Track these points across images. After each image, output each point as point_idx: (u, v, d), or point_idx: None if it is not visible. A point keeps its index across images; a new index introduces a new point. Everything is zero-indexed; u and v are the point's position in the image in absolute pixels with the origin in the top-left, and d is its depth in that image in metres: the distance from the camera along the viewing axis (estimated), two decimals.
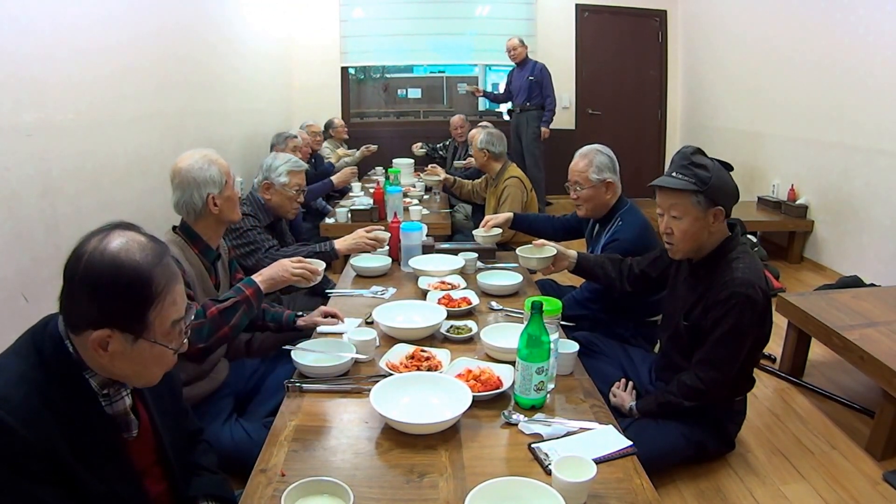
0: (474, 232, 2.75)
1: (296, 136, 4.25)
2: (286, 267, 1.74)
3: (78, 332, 0.97)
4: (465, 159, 5.13)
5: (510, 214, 2.79)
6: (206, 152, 1.87)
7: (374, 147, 5.43)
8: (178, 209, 1.82)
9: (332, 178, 4.10)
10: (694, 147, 1.82)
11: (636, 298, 2.40)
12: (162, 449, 1.15)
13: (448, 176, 4.22)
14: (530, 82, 5.62)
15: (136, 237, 1.00)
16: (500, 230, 2.71)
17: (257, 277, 1.71)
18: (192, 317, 1.07)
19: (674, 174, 1.79)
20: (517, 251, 2.32)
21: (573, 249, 2.32)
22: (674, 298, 1.99)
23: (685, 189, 1.75)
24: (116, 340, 0.96)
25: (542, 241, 2.32)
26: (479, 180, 4.00)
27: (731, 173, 1.83)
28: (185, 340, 1.06)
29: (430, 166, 4.83)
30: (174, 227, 1.83)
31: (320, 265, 1.84)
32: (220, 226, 1.88)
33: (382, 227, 2.59)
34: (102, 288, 0.94)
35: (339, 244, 2.47)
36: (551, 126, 5.76)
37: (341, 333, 1.86)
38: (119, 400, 1.05)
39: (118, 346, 0.96)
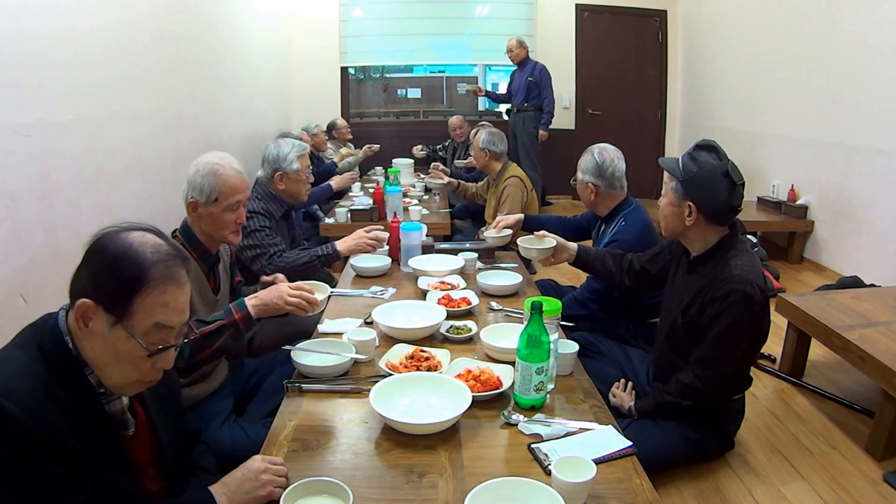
0: (485, 233, 2.73)
1: (297, 138, 4.25)
2: (282, 294, 1.60)
3: (73, 302, 0.99)
4: (465, 159, 5.14)
5: (521, 216, 2.76)
6: (221, 164, 1.81)
7: (376, 147, 5.42)
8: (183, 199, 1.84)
9: (332, 182, 4.09)
10: (710, 142, 1.82)
11: (637, 299, 2.40)
12: (159, 449, 1.15)
13: (452, 180, 4.23)
14: (529, 83, 5.63)
15: (155, 239, 1.03)
16: (510, 231, 2.67)
17: (250, 301, 1.60)
18: (182, 339, 1.07)
19: (679, 156, 1.85)
20: (518, 241, 2.34)
21: (574, 243, 2.33)
22: (672, 295, 1.99)
23: (669, 170, 1.83)
24: (99, 318, 0.97)
25: (542, 231, 2.33)
26: (482, 182, 4.01)
27: (737, 185, 1.76)
28: (171, 358, 1.04)
29: (433, 166, 4.83)
30: (174, 232, 1.82)
31: (323, 293, 1.76)
32: (209, 237, 1.83)
33: (382, 227, 2.59)
34: (102, 259, 0.99)
35: (341, 245, 2.47)
36: (551, 127, 5.75)
37: (341, 333, 1.86)
38: (116, 399, 1.06)
39: (98, 325, 0.97)
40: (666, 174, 1.87)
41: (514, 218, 2.72)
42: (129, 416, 1.09)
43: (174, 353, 1.05)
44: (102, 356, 0.99)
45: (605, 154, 2.47)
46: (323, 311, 2.02)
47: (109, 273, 0.98)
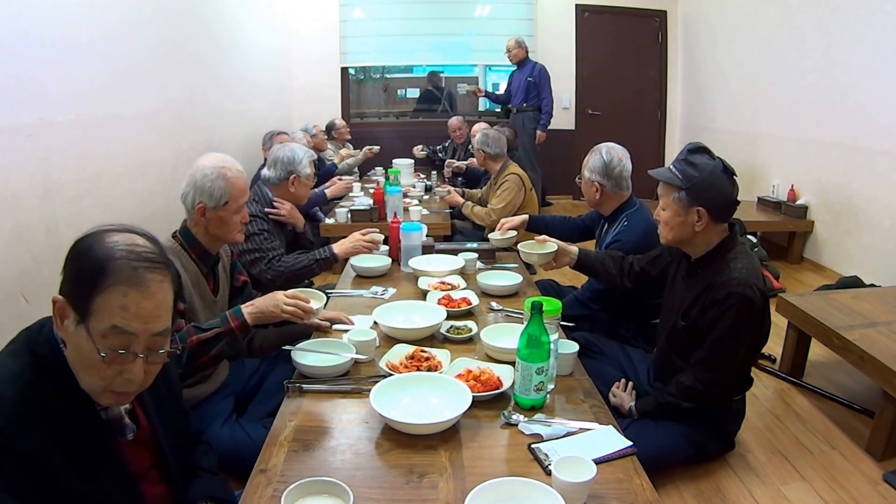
0: (490, 235, 2.73)
1: (285, 133, 4.25)
2: (278, 302, 1.62)
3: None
4: (465, 159, 5.14)
5: (526, 217, 2.74)
6: (228, 167, 1.81)
7: (376, 148, 5.42)
8: (181, 199, 1.83)
9: (326, 190, 4.07)
10: (699, 144, 1.82)
11: (638, 300, 2.40)
12: (160, 452, 1.14)
13: (457, 189, 4.21)
14: (528, 83, 5.63)
15: (140, 241, 0.99)
16: (515, 232, 2.65)
17: (247, 308, 1.61)
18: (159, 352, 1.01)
19: (670, 166, 1.83)
20: (518, 246, 2.33)
21: (574, 246, 2.32)
22: (672, 297, 1.99)
23: (669, 182, 1.80)
24: (70, 317, 0.95)
25: (543, 236, 2.32)
26: (486, 187, 4.02)
27: (734, 177, 1.79)
28: (136, 369, 0.96)
29: (448, 164, 4.83)
30: (174, 233, 1.82)
31: (319, 301, 1.76)
32: (214, 238, 1.83)
33: (378, 230, 2.59)
34: (72, 254, 0.97)
35: (338, 248, 2.47)
36: (550, 127, 5.75)
37: (343, 332, 1.86)
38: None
39: (70, 323, 0.95)
40: (660, 187, 1.85)
41: (520, 219, 2.71)
42: (127, 421, 1.08)
43: (141, 364, 0.97)
44: (73, 356, 0.96)
45: (613, 153, 2.46)
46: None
47: (74, 268, 0.95)
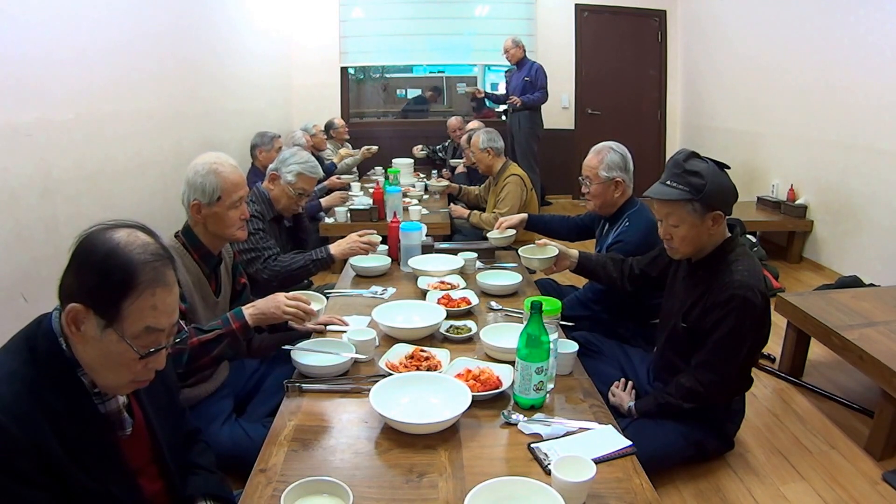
0: (489, 234, 2.72)
1: (280, 136, 4.24)
2: (279, 304, 1.61)
3: (63, 304, 0.98)
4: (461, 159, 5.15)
5: (525, 216, 2.73)
6: (219, 162, 1.81)
7: (374, 148, 5.43)
8: (181, 201, 1.82)
9: (322, 200, 4.07)
10: (687, 152, 1.79)
11: (639, 300, 2.40)
12: (157, 447, 1.15)
13: (454, 185, 4.22)
14: (525, 83, 5.62)
15: (143, 237, 1.02)
16: (514, 231, 2.65)
17: (248, 310, 1.61)
18: (175, 340, 1.07)
19: (667, 182, 1.77)
20: (519, 251, 2.32)
21: (575, 249, 2.32)
22: (672, 298, 1.99)
23: (679, 199, 1.74)
24: (90, 322, 0.96)
25: (544, 241, 2.32)
26: (483, 185, 4.02)
27: (729, 173, 1.80)
28: (163, 359, 1.04)
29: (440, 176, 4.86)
30: (177, 233, 1.81)
31: (320, 304, 1.75)
32: (214, 236, 1.82)
33: (375, 231, 2.58)
34: (89, 262, 0.97)
35: (335, 249, 2.46)
36: (550, 127, 5.74)
37: (342, 331, 1.86)
38: (112, 398, 1.06)
39: (90, 328, 0.97)
40: (663, 206, 1.79)
41: (518, 218, 2.71)
42: (125, 415, 1.09)
43: (166, 353, 1.05)
44: (96, 359, 0.99)
45: (622, 149, 2.45)
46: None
47: (97, 276, 0.96)
